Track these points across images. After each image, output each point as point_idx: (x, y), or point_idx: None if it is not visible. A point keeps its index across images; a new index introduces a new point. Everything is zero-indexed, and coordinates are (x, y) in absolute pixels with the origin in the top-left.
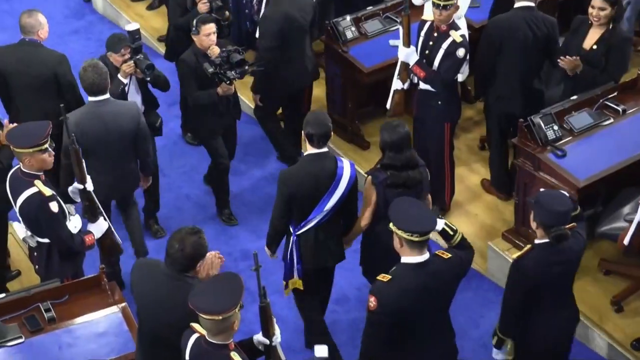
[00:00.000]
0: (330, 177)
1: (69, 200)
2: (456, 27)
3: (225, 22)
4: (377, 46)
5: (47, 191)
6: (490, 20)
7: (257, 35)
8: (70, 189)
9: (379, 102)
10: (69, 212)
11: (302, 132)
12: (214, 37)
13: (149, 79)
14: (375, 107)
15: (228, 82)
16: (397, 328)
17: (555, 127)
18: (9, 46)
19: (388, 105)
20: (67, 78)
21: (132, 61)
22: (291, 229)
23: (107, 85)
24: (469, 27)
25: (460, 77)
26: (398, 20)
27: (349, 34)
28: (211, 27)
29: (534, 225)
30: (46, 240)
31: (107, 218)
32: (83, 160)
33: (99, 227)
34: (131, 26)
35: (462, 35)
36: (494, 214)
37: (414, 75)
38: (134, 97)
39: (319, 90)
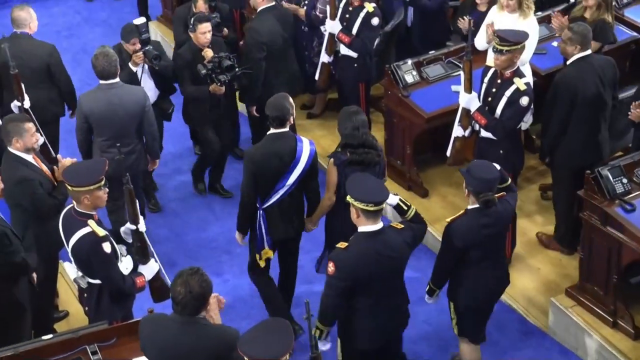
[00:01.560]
0: (291, 154)
1: (120, 240)
2: (521, 74)
3: (224, 39)
4: (438, 91)
5: (101, 232)
6: (559, 81)
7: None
8: (122, 229)
9: (438, 149)
10: (120, 253)
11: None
12: (209, 36)
13: (157, 68)
14: (435, 154)
15: (219, 84)
16: (352, 291)
17: (624, 180)
18: (3, 39)
19: (448, 153)
20: (58, 67)
21: (141, 52)
22: (258, 205)
23: (116, 70)
24: (535, 74)
25: (524, 126)
26: (460, 66)
27: (410, 78)
28: (207, 27)
29: (465, 192)
30: (97, 282)
31: (157, 260)
32: (137, 201)
33: (150, 269)
34: (139, 20)
35: (527, 83)
36: (557, 269)
37: (475, 123)
38: (147, 84)
39: (377, 135)
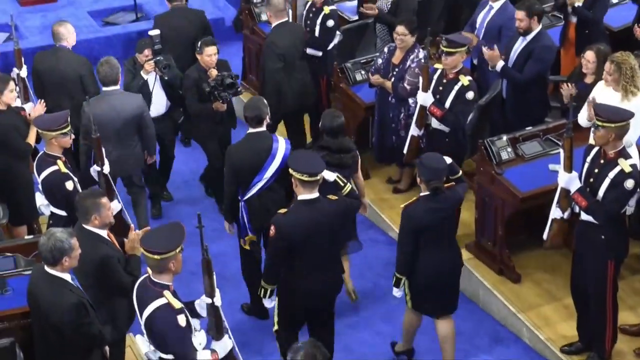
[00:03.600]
0: (267, 151)
1: (194, 314)
2: (626, 155)
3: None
4: (535, 170)
5: (177, 304)
6: None
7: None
8: (197, 302)
9: (534, 230)
10: (194, 328)
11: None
12: (214, 58)
13: (166, 77)
14: (530, 236)
15: (221, 101)
16: (289, 252)
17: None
18: (45, 52)
19: (545, 235)
20: (89, 78)
21: (153, 61)
22: (240, 197)
23: (117, 78)
24: None
25: (629, 210)
26: (560, 143)
27: (505, 155)
28: (213, 50)
29: (419, 181)
30: (170, 357)
31: (231, 336)
32: (214, 274)
33: (224, 345)
34: (153, 32)
35: (633, 165)
36: None
37: (575, 204)
38: (158, 95)
39: (467, 214)
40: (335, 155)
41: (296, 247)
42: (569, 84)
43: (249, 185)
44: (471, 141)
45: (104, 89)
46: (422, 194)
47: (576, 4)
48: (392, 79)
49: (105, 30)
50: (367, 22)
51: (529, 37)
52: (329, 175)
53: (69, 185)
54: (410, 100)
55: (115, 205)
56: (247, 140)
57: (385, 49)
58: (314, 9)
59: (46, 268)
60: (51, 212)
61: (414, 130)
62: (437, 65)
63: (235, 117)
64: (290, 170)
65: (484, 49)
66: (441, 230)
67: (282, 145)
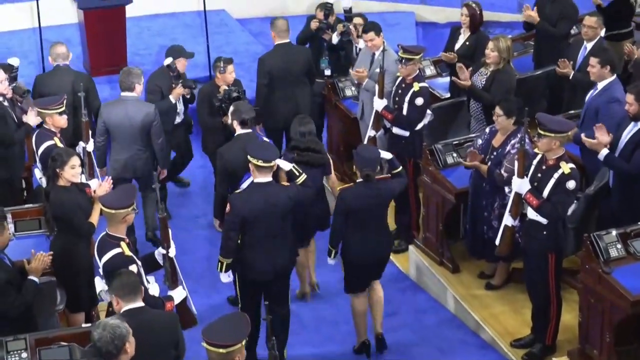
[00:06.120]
0: None
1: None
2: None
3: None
4: None
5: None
6: None
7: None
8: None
9: None
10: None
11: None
12: (234, 75)
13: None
14: None
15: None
16: (242, 227)
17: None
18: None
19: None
20: (91, 92)
21: (181, 86)
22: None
23: (132, 86)
24: None
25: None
26: None
27: (614, 252)
28: (233, 67)
29: (354, 168)
30: None
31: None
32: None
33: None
34: (167, 61)
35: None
36: None
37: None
38: (178, 106)
39: (569, 317)
40: (303, 153)
41: (248, 224)
42: None
43: (238, 182)
44: (575, 235)
45: (121, 94)
46: (357, 180)
47: None
48: (489, 163)
49: None
50: (460, 100)
51: None
52: (285, 165)
53: (133, 269)
54: (506, 189)
55: (181, 292)
56: (236, 141)
57: (487, 129)
58: (403, 85)
59: None
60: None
61: (508, 220)
62: (536, 150)
63: None
64: (248, 157)
65: (583, 136)
66: (370, 215)
67: None
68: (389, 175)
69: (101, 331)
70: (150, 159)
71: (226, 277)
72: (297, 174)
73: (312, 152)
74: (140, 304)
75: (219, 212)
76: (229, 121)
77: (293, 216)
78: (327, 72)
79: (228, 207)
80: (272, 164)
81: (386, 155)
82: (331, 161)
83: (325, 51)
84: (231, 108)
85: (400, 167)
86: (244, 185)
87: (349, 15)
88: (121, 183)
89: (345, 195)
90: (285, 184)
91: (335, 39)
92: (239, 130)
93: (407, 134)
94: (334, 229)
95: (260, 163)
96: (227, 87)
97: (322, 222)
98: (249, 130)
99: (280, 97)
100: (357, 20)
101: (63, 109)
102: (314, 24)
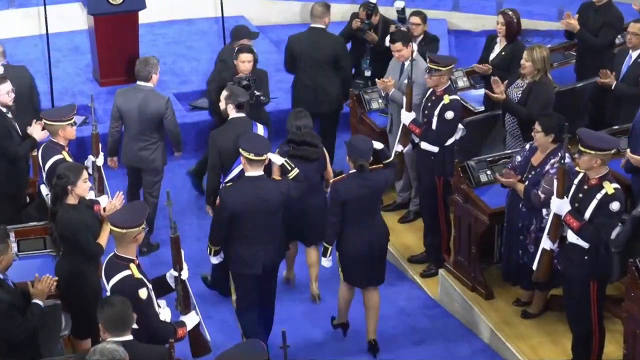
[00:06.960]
0: None
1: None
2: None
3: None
4: None
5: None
6: None
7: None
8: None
9: None
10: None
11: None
12: (248, 65)
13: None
14: None
15: None
16: (231, 220)
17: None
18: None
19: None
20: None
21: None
22: (221, 180)
23: (149, 76)
24: None
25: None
26: None
27: None
28: (247, 57)
29: (347, 160)
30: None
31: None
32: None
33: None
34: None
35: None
36: None
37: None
38: None
39: (613, 348)
40: (298, 147)
41: (237, 218)
42: None
43: (231, 166)
44: (620, 260)
45: (137, 83)
46: (350, 172)
47: None
48: (526, 182)
49: (193, 115)
50: (495, 114)
51: None
52: (277, 159)
53: (143, 293)
54: (544, 212)
55: (193, 317)
56: (229, 125)
57: (527, 146)
58: (433, 98)
59: None
60: None
61: (546, 243)
62: (577, 168)
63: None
64: (240, 150)
65: (627, 152)
66: (364, 205)
67: (260, 131)
68: (382, 165)
69: (99, 357)
70: (159, 152)
71: (216, 260)
72: (289, 168)
73: (307, 145)
74: (128, 337)
75: (211, 198)
76: (223, 106)
77: (285, 211)
78: (367, 74)
79: (218, 200)
80: (263, 157)
81: (378, 145)
82: (327, 155)
83: (367, 52)
84: (225, 92)
85: (391, 157)
86: (236, 170)
87: (402, 16)
88: (129, 172)
89: (338, 186)
90: (277, 178)
91: (386, 42)
92: (234, 114)
93: (436, 149)
94: (330, 224)
95: (251, 156)
96: (242, 75)
97: (320, 216)
98: (243, 115)
99: (302, 80)
100: (414, 20)
101: (74, 120)
102: (355, 24)
